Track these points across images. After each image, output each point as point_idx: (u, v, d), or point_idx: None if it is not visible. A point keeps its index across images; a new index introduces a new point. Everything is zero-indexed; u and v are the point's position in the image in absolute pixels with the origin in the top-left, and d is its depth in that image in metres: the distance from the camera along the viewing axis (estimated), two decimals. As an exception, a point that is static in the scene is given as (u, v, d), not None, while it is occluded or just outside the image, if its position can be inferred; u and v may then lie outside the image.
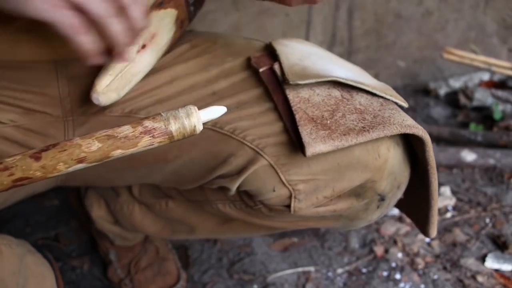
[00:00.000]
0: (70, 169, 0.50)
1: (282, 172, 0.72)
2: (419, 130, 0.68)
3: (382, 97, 0.72)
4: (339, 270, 1.17)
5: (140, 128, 0.52)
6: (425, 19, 1.77)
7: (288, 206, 0.74)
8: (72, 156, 0.50)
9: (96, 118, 0.78)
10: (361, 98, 0.71)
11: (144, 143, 0.52)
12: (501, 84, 1.82)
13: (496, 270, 1.15)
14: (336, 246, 1.23)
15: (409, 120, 0.69)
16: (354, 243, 1.24)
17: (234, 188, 0.76)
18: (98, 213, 1.10)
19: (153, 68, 0.77)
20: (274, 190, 0.73)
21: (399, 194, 0.77)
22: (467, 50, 1.67)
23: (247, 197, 0.80)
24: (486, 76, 1.84)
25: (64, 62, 0.76)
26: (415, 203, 0.79)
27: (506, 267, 1.15)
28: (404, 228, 1.27)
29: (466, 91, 1.74)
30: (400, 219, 1.29)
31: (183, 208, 0.96)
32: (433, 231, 0.78)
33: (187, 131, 0.53)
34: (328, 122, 0.67)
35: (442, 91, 1.81)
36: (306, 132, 0.66)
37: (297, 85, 0.71)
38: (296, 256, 1.21)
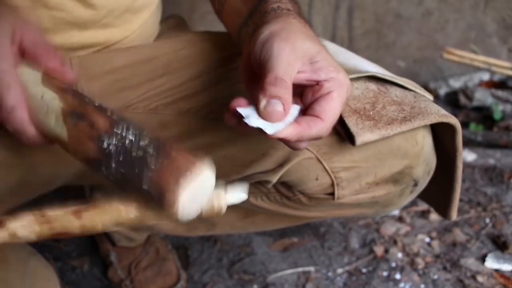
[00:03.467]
0: (106, 229, 0.53)
1: (325, 160, 0.74)
2: (453, 119, 0.72)
3: (412, 90, 0.75)
4: (339, 270, 1.17)
5: None
6: (425, 19, 1.77)
7: (331, 194, 0.77)
8: (111, 220, 0.52)
9: None
10: (396, 91, 0.74)
11: None
12: (501, 84, 1.82)
13: (496, 270, 1.14)
14: (336, 246, 1.23)
15: (442, 110, 0.73)
16: (354, 243, 1.24)
17: (275, 180, 0.78)
18: None
19: (176, 66, 0.79)
20: (317, 179, 0.76)
21: (428, 180, 0.81)
22: (467, 50, 1.67)
23: (285, 188, 0.82)
24: (486, 76, 1.84)
25: (78, 61, 0.76)
26: (435, 189, 0.83)
27: (506, 267, 1.15)
28: (404, 228, 1.27)
29: (466, 91, 1.74)
30: (400, 219, 1.29)
31: None
32: (455, 213, 0.82)
33: (214, 212, 0.56)
34: (371, 113, 0.70)
35: (442, 91, 1.81)
36: (352, 123, 0.69)
37: None
38: (296, 256, 1.21)
